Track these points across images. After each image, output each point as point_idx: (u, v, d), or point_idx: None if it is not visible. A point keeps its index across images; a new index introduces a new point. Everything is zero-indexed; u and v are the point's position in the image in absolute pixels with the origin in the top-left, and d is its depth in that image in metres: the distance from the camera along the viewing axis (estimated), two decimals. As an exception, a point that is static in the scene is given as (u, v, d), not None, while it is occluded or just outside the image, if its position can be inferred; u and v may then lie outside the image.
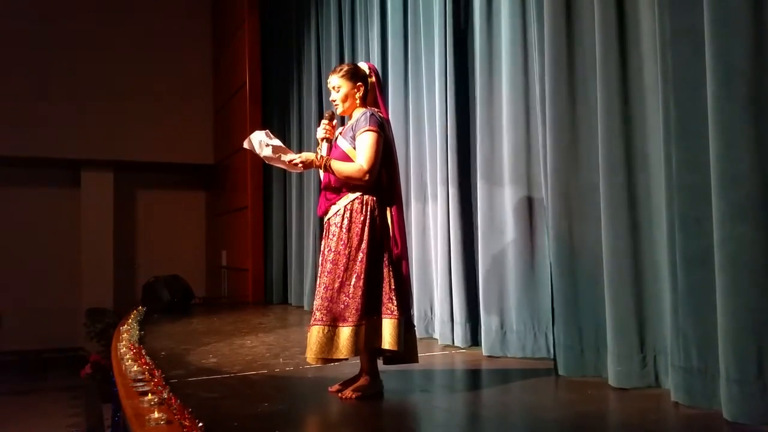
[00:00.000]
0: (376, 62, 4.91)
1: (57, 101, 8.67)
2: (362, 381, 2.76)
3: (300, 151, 2.92)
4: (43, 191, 8.93)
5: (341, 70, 2.89)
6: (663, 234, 2.66)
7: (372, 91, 2.91)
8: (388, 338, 2.66)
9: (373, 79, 2.91)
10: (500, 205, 3.72)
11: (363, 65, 2.95)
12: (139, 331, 4.59)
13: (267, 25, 7.88)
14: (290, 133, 7.12)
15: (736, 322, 2.20)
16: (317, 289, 2.74)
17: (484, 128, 3.82)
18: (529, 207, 3.60)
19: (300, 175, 6.77)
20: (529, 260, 3.57)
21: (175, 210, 9.75)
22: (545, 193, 3.23)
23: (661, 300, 2.73)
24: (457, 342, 3.98)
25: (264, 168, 7.70)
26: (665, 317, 2.70)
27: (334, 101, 2.89)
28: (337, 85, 2.87)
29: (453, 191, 4.04)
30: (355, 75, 2.87)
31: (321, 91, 6.41)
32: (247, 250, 7.83)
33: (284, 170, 7.27)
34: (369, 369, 2.77)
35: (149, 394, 2.51)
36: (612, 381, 2.83)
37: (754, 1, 2.24)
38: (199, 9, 9.80)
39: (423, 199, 4.47)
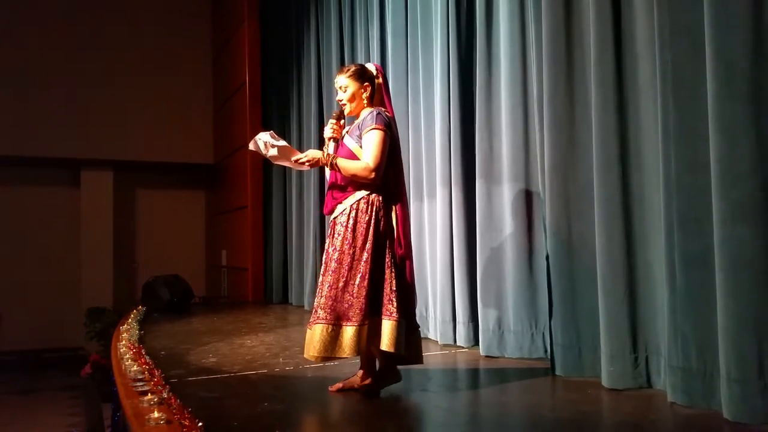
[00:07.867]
0: (376, 62, 4.91)
1: (57, 101, 8.67)
2: (368, 380, 2.79)
3: (301, 151, 2.92)
4: (43, 191, 8.92)
5: (348, 70, 2.90)
6: (657, 234, 2.66)
7: (379, 91, 2.92)
8: (386, 340, 2.66)
9: (380, 79, 2.93)
10: (498, 204, 3.72)
11: (370, 66, 2.96)
12: (139, 330, 4.58)
13: (267, 25, 7.89)
14: (290, 133, 7.12)
15: (737, 322, 2.20)
16: (320, 288, 2.74)
17: (483, 127, 3.82)
18: (527, 206, 3.60)
19: (300, 175, 6.77)
20: (527, 260, 3.56)
21: (175, 210, 9.75)
22: (543, 192, 3.22)
23: (654, 300, 2.73)
24: (460, 342, 3.98)
25: (264, 167, 7.71)
26: (658, 317, 2.69)
27: (341, 101, 2.90)
28: (345, 85, 2.87)
29: (455, 190, 4.03)
30: (362, 75, 2.88)
31: (321, 91, 6.41)
32: (247, 249, 7.84)
33: (284, 169, 7.36)
34: (380, 366, 2.80)
35: (149, 394, 2.50)
36: (605, 382, 2.82)
37: (754, -1, 2.23)
38: (199, 9, 9.80)
39: (422, 199, 4.46)
